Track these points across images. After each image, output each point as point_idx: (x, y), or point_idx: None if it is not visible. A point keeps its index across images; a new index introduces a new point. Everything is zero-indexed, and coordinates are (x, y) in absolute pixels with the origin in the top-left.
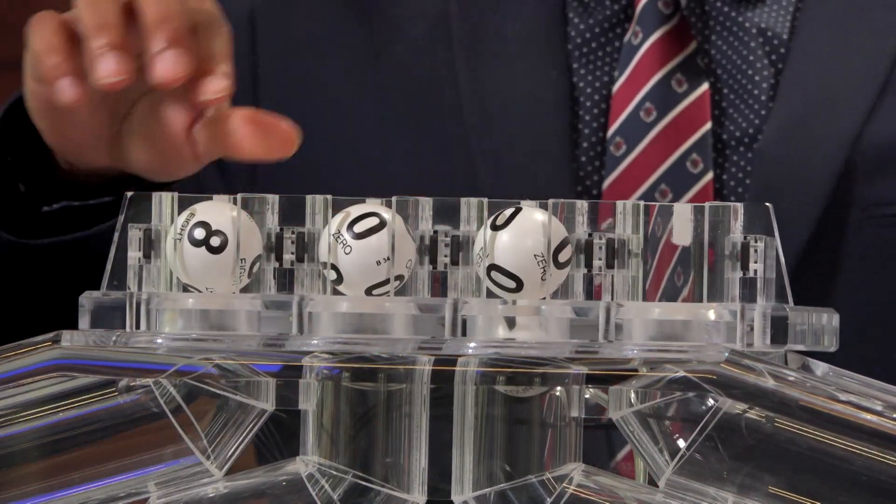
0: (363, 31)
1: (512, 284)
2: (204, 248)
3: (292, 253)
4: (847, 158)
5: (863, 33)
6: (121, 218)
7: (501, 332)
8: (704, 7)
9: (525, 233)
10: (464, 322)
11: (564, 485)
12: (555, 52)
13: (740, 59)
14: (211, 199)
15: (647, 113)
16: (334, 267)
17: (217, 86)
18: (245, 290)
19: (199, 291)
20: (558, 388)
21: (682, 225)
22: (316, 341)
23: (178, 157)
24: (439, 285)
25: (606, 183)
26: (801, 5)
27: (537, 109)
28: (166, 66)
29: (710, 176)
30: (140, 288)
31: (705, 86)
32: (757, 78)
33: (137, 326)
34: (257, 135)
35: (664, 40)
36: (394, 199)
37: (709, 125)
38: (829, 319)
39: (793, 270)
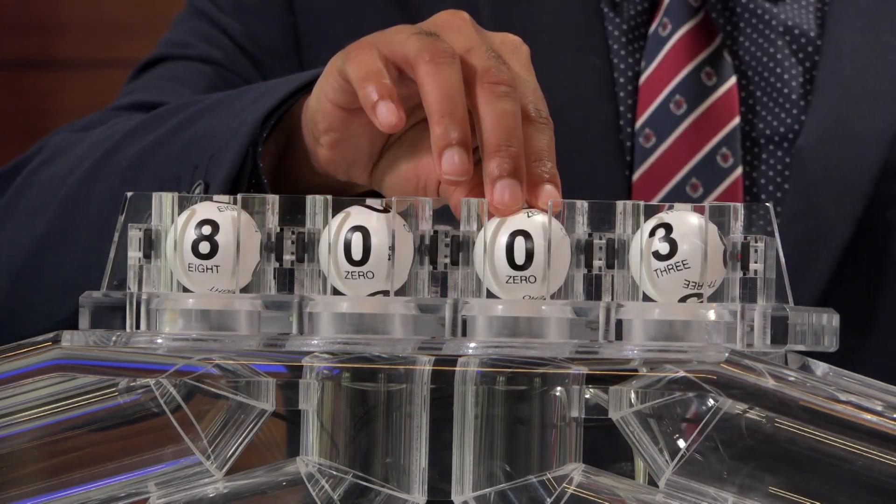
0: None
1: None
2: None
3: (292, 253)
4: (886, 157)
5: (890, 33)
6: (121, 218)
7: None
8: (728, 3)
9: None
10: (464, 322)
11: (564, 485)
12: (595, 40)
13: (767, 57)
14: (211, 199)
15: (677, 105)
16: None
17: (549, 195)
18: (245, 290)
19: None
20: (558, 388)
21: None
22: (316, 341)
23: (422, 189)
24: (439, 285)
25: (636, 175)
26: (823, 5)
27: (582, 96)
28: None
29: (739, 171)
30: (140, 288)
31: (733, 80)
32: (786, 76)
33: (137, 326)
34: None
35: (693, 33)
36: (394, 199)
37: (737, 120)
38: (829, 319)
39: (833, 270)
